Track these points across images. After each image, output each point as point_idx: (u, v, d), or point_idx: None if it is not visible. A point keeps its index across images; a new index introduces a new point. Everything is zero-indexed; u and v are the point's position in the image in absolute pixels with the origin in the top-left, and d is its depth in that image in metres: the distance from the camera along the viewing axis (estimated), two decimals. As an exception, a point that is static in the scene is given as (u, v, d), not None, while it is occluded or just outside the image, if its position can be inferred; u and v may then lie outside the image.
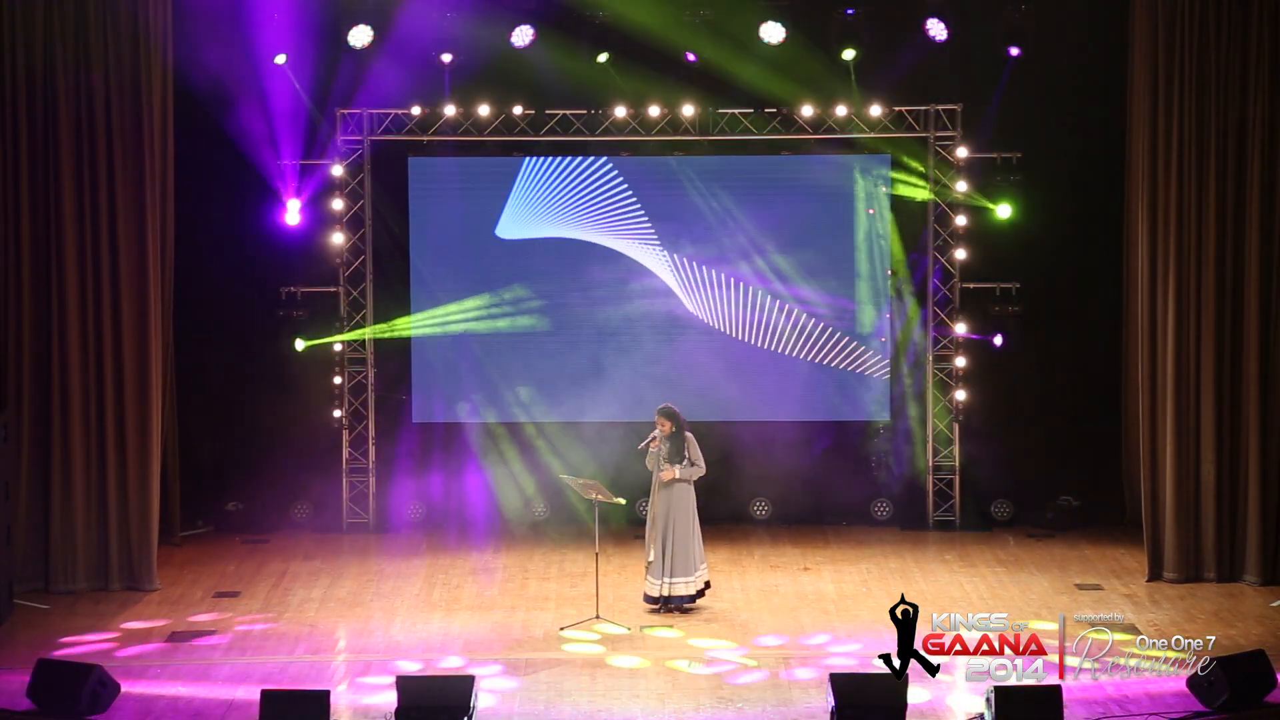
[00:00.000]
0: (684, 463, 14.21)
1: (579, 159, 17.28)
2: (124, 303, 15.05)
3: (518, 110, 16.96)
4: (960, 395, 17.34)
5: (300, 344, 17.19)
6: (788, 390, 17.43)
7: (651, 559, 14.23)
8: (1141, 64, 15.47)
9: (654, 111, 16.98)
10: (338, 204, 17.24)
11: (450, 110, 16.96)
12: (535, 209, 17.36)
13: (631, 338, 17.41)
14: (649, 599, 14.33)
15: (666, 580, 14.23)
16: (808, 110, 16.97)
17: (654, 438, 14.28)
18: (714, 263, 17.34)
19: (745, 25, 16.55)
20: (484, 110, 16.97)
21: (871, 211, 17.34)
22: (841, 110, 16.97)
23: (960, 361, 17.35)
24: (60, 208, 14.88)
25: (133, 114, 14.96)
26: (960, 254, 17.21)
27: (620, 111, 16.95)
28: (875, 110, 16.99)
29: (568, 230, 17.37)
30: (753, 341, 17.42)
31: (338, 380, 17.36)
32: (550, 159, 17.28)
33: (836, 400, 17.49)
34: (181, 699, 12.30)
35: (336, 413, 17.37)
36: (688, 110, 17.01)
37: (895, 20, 16.73)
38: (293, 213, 17.05)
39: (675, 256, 17.37)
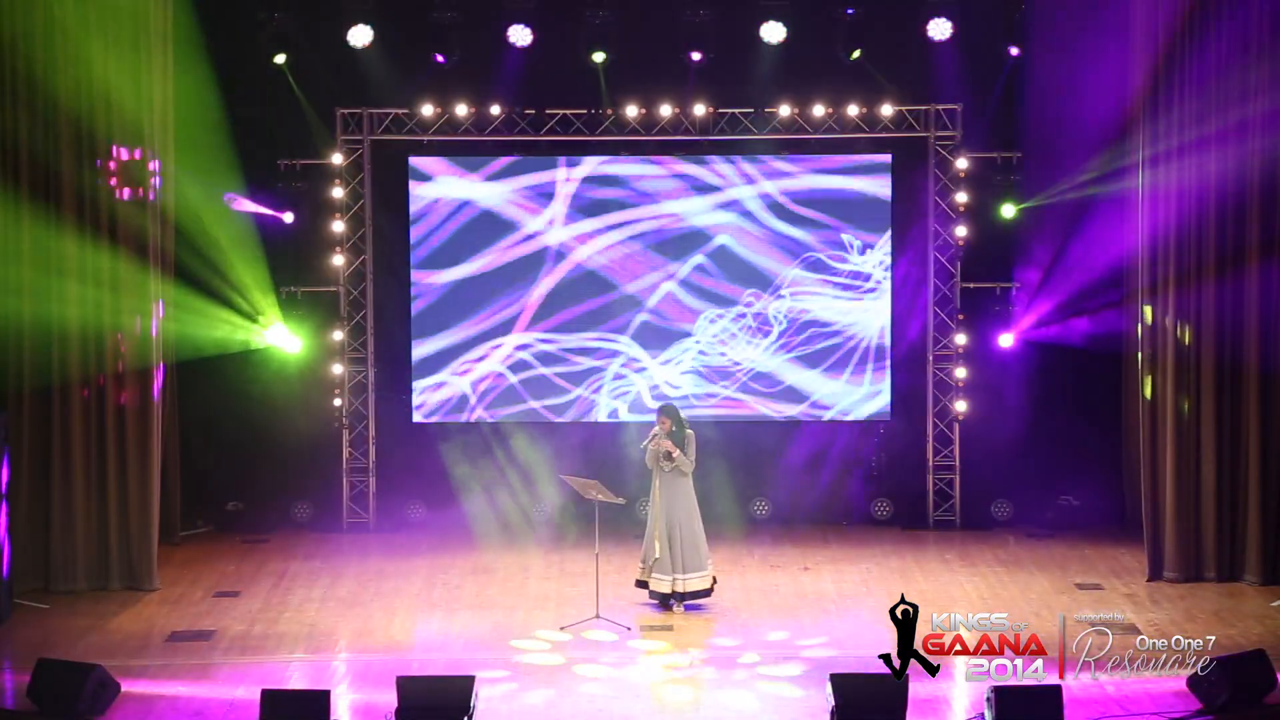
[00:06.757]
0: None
1: (578, 159, 17.30)
2: (124, 301, 15.03)
3: (517, 110, 16.98)
4: (960, 394, 17.34)
5: (299, 344, 17.23)
6: (788, 390, 17.42)
7: (659, 555, 14.21)
8: (1141, 64, 15.46)
9: (653, 111, 16.98)
10: (338, 204, 17.23)
11: (450, 110, 16.96)
12: (538, 209, 17.36)
13: (632, 335, 17.41)
14: (656, 595, 14.31)
15: (679, 576, 14.21)
16: (807, 110, 16.97)
17: (655, 436, 14.30)
18: (714, 261, 17.33)
19: (745, 25, 16.57)
20: (484, 110, 16.97)
21: (872, 210, 17.37)
22: (841, 110, 16.98)
23: (960, 361, 17.35)
24: (60, 206, 14.87)
25: (132, 113, 14.95)
26: (960, 253, 17.22)
27: (619, 111, 16.96)
28: (875, 110, 17.00)
29: (568, 229, 17.37)
30: (753, 340, 17.41)
31: (338, 379, 17.36)
32: (543, 161, 17.29)
33: (837, 400, 17.48)
34: (181, 699, 12.30)
35: (337, 409, 17.35)
36: (687, 110, 17.00)
37: (895, 20, 16.76)
38: (293, 213, 17.10)
39: (673, 256, 17.39)
